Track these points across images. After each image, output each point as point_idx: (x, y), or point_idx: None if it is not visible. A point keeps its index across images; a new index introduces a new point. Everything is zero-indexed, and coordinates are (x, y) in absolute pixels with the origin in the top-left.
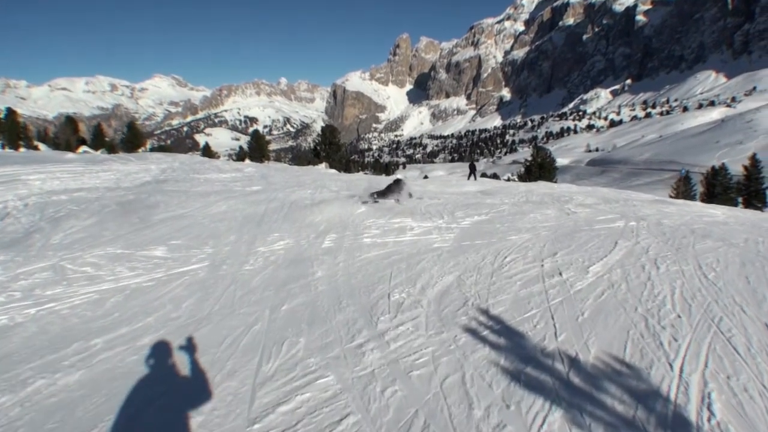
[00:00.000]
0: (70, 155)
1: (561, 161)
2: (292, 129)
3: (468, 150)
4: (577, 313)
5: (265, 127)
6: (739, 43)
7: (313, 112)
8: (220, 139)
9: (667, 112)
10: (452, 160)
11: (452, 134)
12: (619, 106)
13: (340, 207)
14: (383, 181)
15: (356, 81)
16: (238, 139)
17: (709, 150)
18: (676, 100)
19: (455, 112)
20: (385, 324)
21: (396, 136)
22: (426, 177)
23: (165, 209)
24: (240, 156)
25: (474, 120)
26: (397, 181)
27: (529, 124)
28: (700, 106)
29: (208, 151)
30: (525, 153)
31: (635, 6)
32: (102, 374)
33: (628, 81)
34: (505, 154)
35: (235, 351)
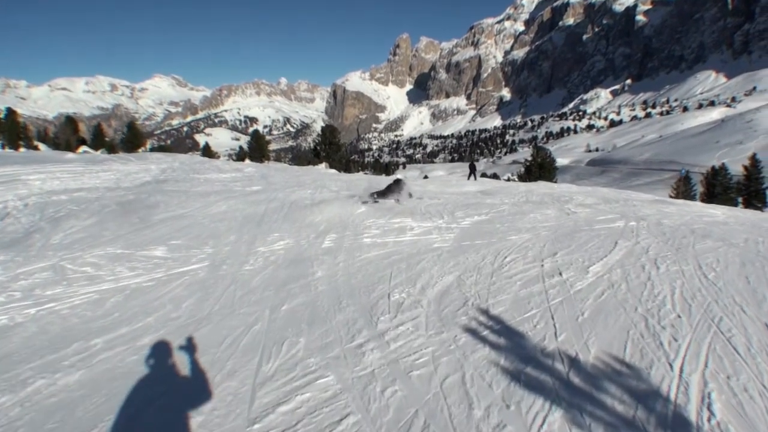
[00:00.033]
0: (70, 155)
1: (561, 161)
2: (292, 129)
3: (468, 150)
4: (577, 313)
5: (265, 127)
6: (739, 43)
7: (313, 112)
8: (220, 139)
9: (667, 112)
10: (452, 160)
11: (452, 134)
12: (619, 106)
13: (340, 207)
14: (383, 181)
15: (356, 81)
16: (238, 139)
17: (709, 150)
18: (676, 100)
19: (455, 112)
20: (385, 324)
21: (396, 136)
22: (426, 177)
23: (165, 209)
24: (240, 156)
25: (474, 120)
26: (397, 181)
27: (529, 124)
28: (700, 106)
29: (208, 151)
30: (525, 153)
31: (635, 6)
32: (102, 374)
33: (628, 81)
34: (505, 154)
35: (235, 351)
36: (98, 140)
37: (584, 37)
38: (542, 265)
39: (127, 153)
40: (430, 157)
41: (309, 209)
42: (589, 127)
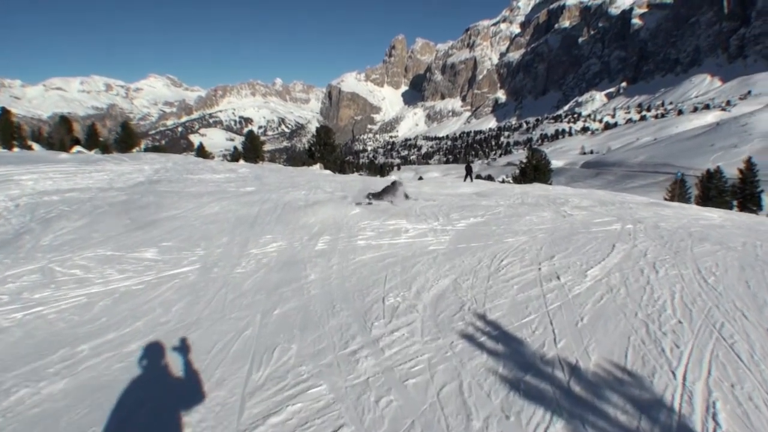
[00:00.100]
0: (63, 155)
1: (556, 163)
2: (287, 130)
3: (463, 152)
4: (576, 318)
5: (260, 127)
6: (734, 47)
7: (308, 112)
8: (215, 139)
9: (662, 115)
10: (447, 162)
11: (447, 136)
12: (614, 109)
13: (335, 208)
14: (378, 182)
15: (351, 82)
16: (232, 140)
17: (704, 153)
18: (671, 103)
19: (450, 113)
20: (379, 329)
21: (391, 137)
22: (421, 178)
23: (157, 210)
24: (234, 156)
25: (469, 121)
26: (393, 183)
27: (524, 126)
28: (695, 110)
29: (202, 152)
30: (520, 155)
31: (631, 9)
32: (87, 383)
33: (624, 84)
34: (500, 155)
35: (225, 358)
36: (92, 140)
37: (580, 39)
38: (539, 268)
39: (121, 153)
40: (425, 159)
41: (303, 211)
42: (584, 129)
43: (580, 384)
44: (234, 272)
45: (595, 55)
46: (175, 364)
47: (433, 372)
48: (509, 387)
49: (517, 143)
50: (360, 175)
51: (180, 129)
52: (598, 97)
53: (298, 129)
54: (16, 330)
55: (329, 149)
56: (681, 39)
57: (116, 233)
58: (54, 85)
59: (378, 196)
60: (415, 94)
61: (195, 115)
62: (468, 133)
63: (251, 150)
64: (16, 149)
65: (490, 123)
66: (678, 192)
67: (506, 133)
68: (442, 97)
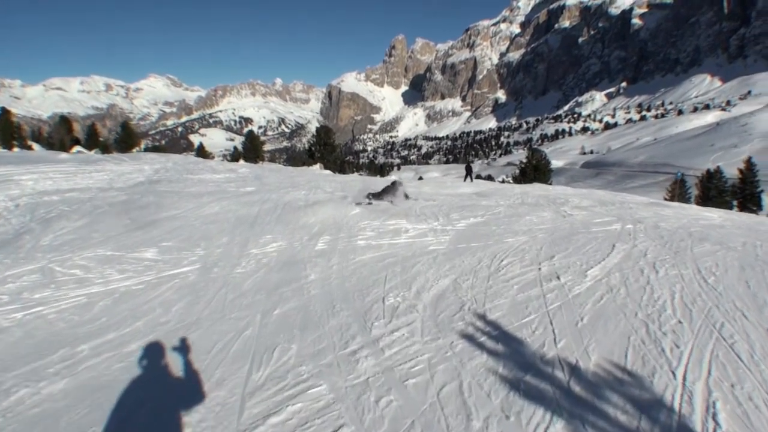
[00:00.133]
0: (63, 155)
1: (556, 163)
2: (287, 130)
3: (463, 152)
4: (576, 318)
5: (260, 127)
6: (734, 47)
7: (308, 112)
8: (215, 139)
9: (662, 115)
10: (447, 162)
11: (447, 136)
12: (614, 109)
13: (335, 208)
14: (378, 182)
15: (351, 82)
16: (232, 140)
17: (704, 153)
18: (671, 103)
19: (450, 113)
20: (379, 330)
21: (391, 137)
22: (420, 178)
23: (157, 210)
24: (234, 156)
25: (469, 121)
26: (393, 183)
27: (524, 126)
28: (695, 110)
29: (202, 152)
30: (520, 155)
31: (631, 9)
32: (87, 383)
33: (624, 84)
34: (500, 155)
35: (225, 358)
36: (92, 140)
37: (580, 39)
38: (539, 268)
39: (121, 153)
40: (425, 159)
41: (303, 211)
42: (584, 129)
43: (580, 384)
44: (234, 272)
45: (595, 55)
46: (175, 364)
47: (433, 372)
48: (509, 387)
49: (517, 143)
50: (360, 175)
51: (180, 129)
52: (598, 97)
53: (298, 129)
54: (16, 330)
55: (329, 149)
56: (681, 39)
57: (116, 233)
58: (54, 85)
59: (378, 196)
60: (415, 94)
61: (195, 115)
62: (468, 133)
63: (251, 150)
64: (16, 149)
65: (490, 123)
66: (678, 192)
67: (506, 133)
68: (442, 97)
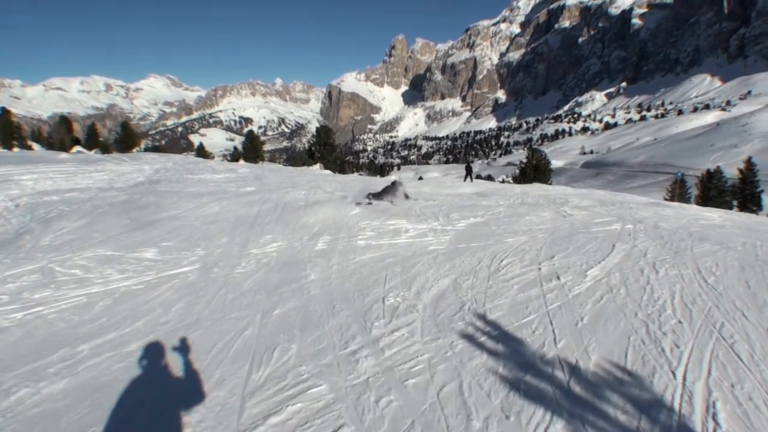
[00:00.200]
0: (63, 155)
1: (556, 163)
2: (286, 130)
3: (463, 152)
4: (576, 318)
5: (260, 127)
6: (734, 47)
7: (308, 112)
8: (215, 139)
9: (662, 115)
10: (447, 162)
11: (447, 136)
12: (614, 109)
13: (335, 208)
14: (378, 182)
15: (352, 82)
16: (232, 140)
17: (704, 153)
18: (671, 103)
19: (450, 113)
20: (379, 329)
21: (391, 137)
22: (420, 178)
23: (157, 210)
24: (234, 156)
25: (469, 121)
26: (393, 183)
27: (524, 126)
28: (695, 110)
29: (202, 152)
30: (520, 155)
31: (631, 9)
32: (87, 383)
33: (624, 84)
34: (500, 155)
35: (225, 358)
36: (92, 140)
37: (580, 39)
38: (539, 268)
39: (121, 153)
40: (425, 159)
41: (303, 211)
42: (584, 129)
43: (580, 384)
44: (234, 272)
45: (595, 55)
46: (175, 364)
47: (433, 372)
48: (509, 387)
49: (517, 143)
50: (360, 175)
51: (180, 129)
52: (598, 97)
53: (298, 129)
54: (16, 330)
55: (329, 149)
56: (681, 39)
57: (116, 233)
58: (54, 85)
59: (378, 196)
60: (415, 94)
61: (195, 115)
62: (468, 133)
63: (251, 150)
64: (16, 149)
65: (490, 123)
66: (678, 192)
67: (506, 133)
68: (442, 97)
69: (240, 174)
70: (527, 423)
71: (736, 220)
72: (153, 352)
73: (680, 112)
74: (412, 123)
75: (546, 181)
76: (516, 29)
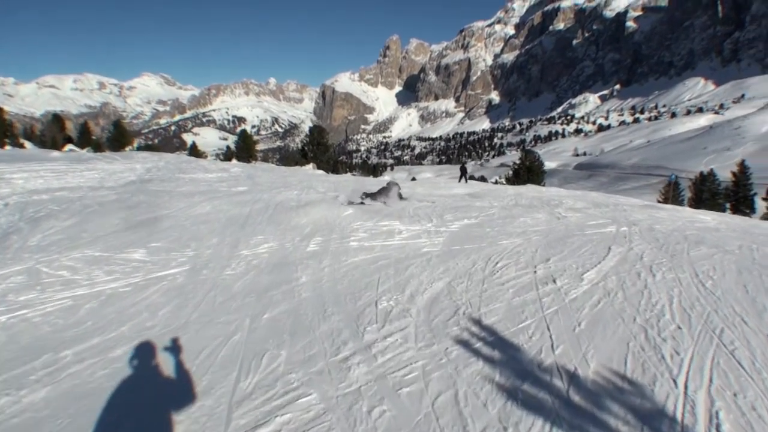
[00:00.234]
0: (55, 153)
1: (549, 165)
2: (280, 129)
3: (456, 152)
4: (573, 323)
5: (253, 127)
6: (728, 51)
7: (302, 112)
8: (208, 138)
9: (656, 118)
10: (440, 163)
11: (441, 136)
12: (608, 111)
13: (327, 209)
14: (371, 182)
15: (345, 82)
16: (225, 139)
17: (697, 156)
18: (664, 106)
19: (444, 114)
20: (372, 335)
21: (384, 137)
22: (414, 179)
23: (147, 210)
24: (227, 156)
25: (462, 122)
26: (388, 184)
27: (518, 127)
28: (689, 113)
29: (195, 151)
30: (513, 156)
31: (626, 12)
32: (70, 391)
33: (617, 86)
34: (493, 156)
35: (212, 364)
36: (85, 138)
37: (574, 42)
38: (535, 271)
39: (113, 152)
40: (418, 159)
41: (295, 211)
42: (578, 131)
43: (580, 393)
44: (224, 274)
45: (589, 58)
46: (160, 371)
47: (427, 380)
48: (506, 396)
49: (510, 144)
50: (353, 175)
51: (173, 128)
52: (591, 99)
53: (292, 129)
54: None
55: (322, 149)
56: (675, 42)
57: (105, 233)
58: (47, 83)
59: (372, 196)
60: (409, 94)
61: (188, 114)
62: (461, 134)
63: (244, 149)
64: (7, 147)
65: (483, 124)
66: (671, 194)
67: (499, 135)
68: (436, 98)
69: (232, 173)
70: None
71: (730, 223)
72: (138, 358)
73: (674, 115)
74: (406, 123)
75: (539, 183)
76: (510, 31)
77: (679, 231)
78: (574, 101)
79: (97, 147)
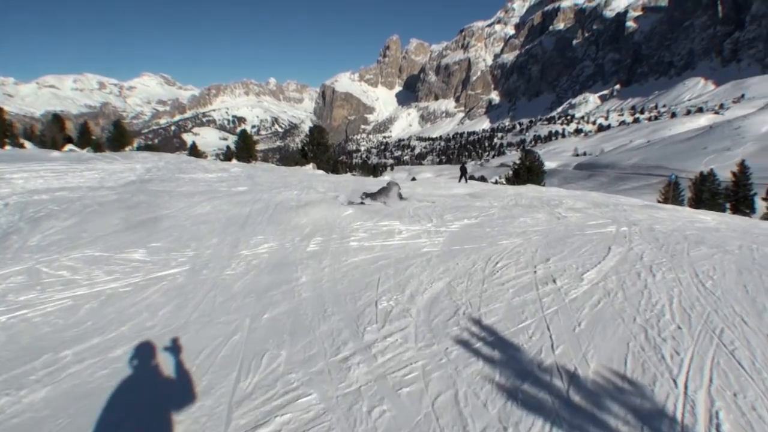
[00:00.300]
0: (55, 153)
1: (549, 165)
2: (280, 129)
3: (456, 152)
4: (573, 323)
5: (253, 127)
6: (728, 51)
7: (302, 112)
8: (208, 138)
9: (656, 118)
10: (440, 163)
11: (440, 136)
12: (608, 111)
13: (327, 209)
14: (371, 182)
15: (345, 82)
16: (225, 139)
17: (697, 156)
18: (664, 105)
19: (444, 114)
20: (372, 335)
21: (384, 137)
22: (414, 179)
23: (147, 210)
24: (227, 156)
25: (462, 122)
26: (388, 184)
27: (518, 127)
28: (689, 113)
29: (195, 151)
30: (513, 156)
31: (626, 12)
32: (70, 390)
33: (617, 86)
34: (493, 156)
35: (212, 364)
36: (85, 138)
37: (574, 42)
38: (535, 271)
39: (113, 152)
40: (418, 159)
41: (295, 211)
42: (578, 131)
43: (580, 393)
44: (223, 274)
45: (589, 58)
46: (160, 371)
47: (427, 380)
48: (506, 396)
49: (510, 144)
50: (353, 175)
51: (173, 128)
52: (591, 99)
53: (292, 129)
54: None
55: (322, 149)
56: (675, 42)
57: (105, 233)
58: (47, 83)
59: (372, 196)
60: (409, 94)
61: (188, 114)
62: (461, 134)
63: (244, 149)
64: (8, 147)
65: (483, 124)
66: (671, 194)
67: (500, 134)
68: (436, 98)
69: (232, 173)
70: None
71: (730, 223)
72: (138, 358)
73: (673, 115)
74: (406, 123)
75: (539, 183)
76: (510, 31)
77: (679, 231)
78: (574, 101)
79: (97, 147)
